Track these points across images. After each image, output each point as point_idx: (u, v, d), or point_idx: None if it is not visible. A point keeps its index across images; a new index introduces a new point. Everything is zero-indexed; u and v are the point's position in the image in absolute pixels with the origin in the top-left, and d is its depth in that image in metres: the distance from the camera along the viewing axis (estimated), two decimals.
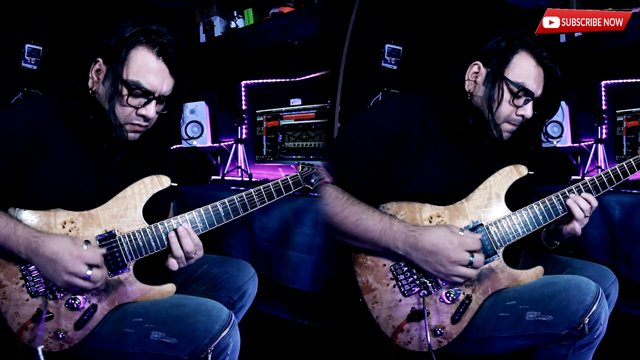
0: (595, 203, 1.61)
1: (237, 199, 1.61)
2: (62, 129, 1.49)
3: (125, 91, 1.46)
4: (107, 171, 1.55)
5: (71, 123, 1.50)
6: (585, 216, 1.59)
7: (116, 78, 1.45)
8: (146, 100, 1.48)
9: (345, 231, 1.55)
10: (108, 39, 1.47)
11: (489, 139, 1.61)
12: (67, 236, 1.40)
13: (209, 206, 1.58)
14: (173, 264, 1.52)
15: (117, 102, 1.47)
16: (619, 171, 1.67)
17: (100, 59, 1.48)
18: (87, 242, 1.46)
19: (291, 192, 1.73)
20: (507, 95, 1.57)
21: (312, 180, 1.79)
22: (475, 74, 1.62)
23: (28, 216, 1.44)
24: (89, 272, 1.35)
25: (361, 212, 1.53)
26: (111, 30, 1.48)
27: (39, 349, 1.40)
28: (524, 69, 1.57)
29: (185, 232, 1.52)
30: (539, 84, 1.58)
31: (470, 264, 1.45)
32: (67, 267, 1.34)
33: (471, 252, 1.46)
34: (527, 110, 1.58)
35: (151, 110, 1.50)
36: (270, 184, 1.68)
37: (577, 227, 1.61)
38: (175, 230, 1.52)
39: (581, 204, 1.59)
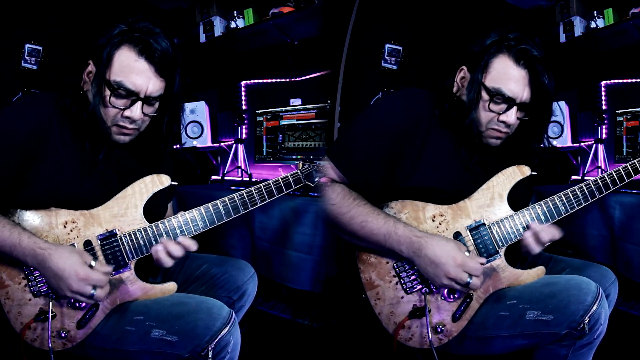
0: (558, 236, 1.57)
1: (237, 197, 1.61)
2: (63, 128, 1.49)
3: (107, 92, 1.44)
4: (107, 171, 1.55)
5: (70, 122, 1.50)
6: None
7: (100, 79, 1.44)
8: (131, 101, 1.46)
9: (351, 232, 1.56)
10: (97, 40, 1.46)
11: (480, 143, 1.59)
12: (75, 252, 1.39)
13: (209, 204, 1.59)
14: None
15: (100, 103, 1.45)
16: (622, 172, 1.66)
17: (91, 61, 1.47)
18: (89, 244, 1.46)
19: (292, 189, 1.72)
20: (483, 102, 1.53)
21: (313, 178, 1.78)
22: (463, 78, 1.60)
23: (30, 217, 1.45)
24: (93, 292, 1.36)
25: (366, 214, 1.53)
26: (101, 31, 1.47)
27: (50, 349, 1.40)
28: (501, 73, 1.50)
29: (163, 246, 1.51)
30: (521, 87, 1.50)
31: (466, 285, 1.45)
32: (72, 287, 1.35)
33: (470, 275, 1.45)
34: (509, 117, 1.52)
35: (136, 111, 1.46)
36: (270, 181, 1.68)
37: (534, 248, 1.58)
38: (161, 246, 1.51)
39: (543, 236, 1.55)
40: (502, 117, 1.52)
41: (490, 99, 1.52)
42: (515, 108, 1.52)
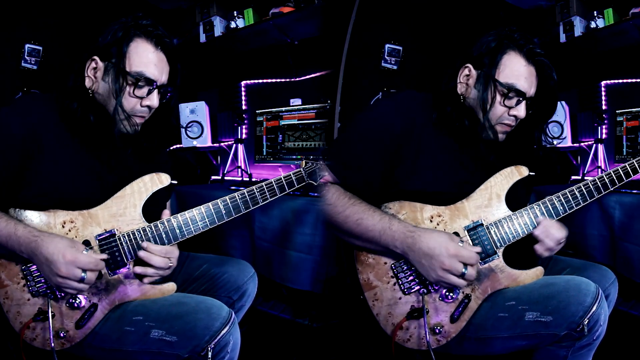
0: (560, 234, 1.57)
1: (238, 196, 1.60)
2: (61, 129, 1.50)
3: (130, 83, 1.49)
4: (106, 170, 1.55)
5: (70, 124, 1.50)
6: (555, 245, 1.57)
7: (119, 72, 1.48)
8: (148, 90, 1.52)
9: (347, 230, 1.56)
10: (103, 37, 1.51)
11: (485, 140, 1.61)
12: (66, 238, 1.40)
13: (209, 204, 1.57)
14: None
15: (123, 94, 1.49)
16: (621, 172, 1.65)
17: (96, 57, 1.50)
18: (88, 245, 1.46)
19: (294, 188, 1.70)
20: (498, 97, 1.56)
21: (316, 176, 1.75)
22: (467, 76, 1.62)
23: (28, 217, 1.44)
24: (83, 275, 1.36)
25: (362, 212, 1.54)
26: (104, 29, 1.52)
27: (53, 349, 1.41)
28: (514, 69, 1.56)
29: (148, 255, 1.49)
30: (530, 83, 1.57)
31: (462, 276, 1.45)
32: (61, 270, 1.34)
33: (465, 265, 1.45)
34: (520, 111, 1.57)
35: (154, 99, 1.53)
36: (272, 180, 1.66)
37: (540, 250, 1.58)
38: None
39: (554, 233, 1.56)
40: (513, 112, 1.57)
41: (505, 95, 1.56)
42: (524, 103, 1.57)
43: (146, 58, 1.50)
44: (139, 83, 1.50)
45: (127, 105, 1.51)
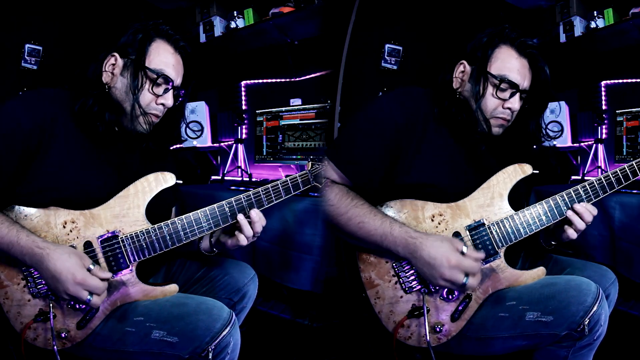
0: (595, 212, 1.60)
1: (244, 198, 1.57)
2: (70, 124, 1.49)
3: (149, 79, 1.52)
4: (112, 169, 1.55)
5: (81, 121, 1.50)
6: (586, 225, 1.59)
7: (138, 68, 1.50)
8: (165, 89, 1.54)
9: (349, 232, 1.56)
10: (124, 35, 1.54)
11: (481, 134, 1.61)
12: (73, 253, 1.38)
13: (214, 206, 1.55)
14: (242, 240, 1.56)
15: (140, 89, 1.51)
16: (628, 171, 1.63)
17: (116, 54, 1.52)
18: (89, 246, 1.45)
19: (300, 190, 1.67)
20: (490, 89, 1.58)
21: (321, 179, 1.71)
22: (462, 72, 1.64)
23: (29, 214, 1.43)
24: (89, 297, 1.35)
25: (363, 215, 1.54)
26: (125, 29, 1.56)
27: (56, 352, 1.41)
28: (505, 61, 1.58)
29: (258, 217, 1.56)
30: (523, 76, 1.59)
31: (462, 286, 1.45)
32: (68, 290, 1.34)
33: (467, 274, 1.44)
34: (514, 103, 1.58)
35: (170, 98, 1.55)
36: (278, 182, 1.63)
37: (572, 233, 1.60)
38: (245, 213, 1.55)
39: (584, 215, 1.58)
40: (507, 104, 1.58)
41: (497, 86, 1.57)
42: (518, 95, 1.58)
43: (166, 58, 1.54)
44: (158, 80, 1.53)
45: (143, 101, 1.52)
